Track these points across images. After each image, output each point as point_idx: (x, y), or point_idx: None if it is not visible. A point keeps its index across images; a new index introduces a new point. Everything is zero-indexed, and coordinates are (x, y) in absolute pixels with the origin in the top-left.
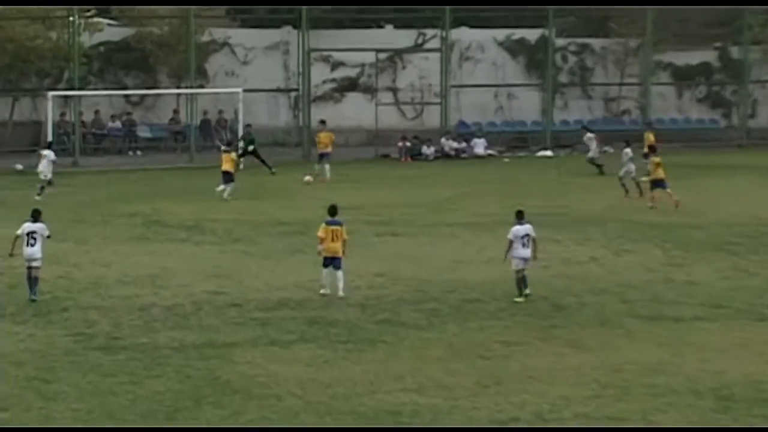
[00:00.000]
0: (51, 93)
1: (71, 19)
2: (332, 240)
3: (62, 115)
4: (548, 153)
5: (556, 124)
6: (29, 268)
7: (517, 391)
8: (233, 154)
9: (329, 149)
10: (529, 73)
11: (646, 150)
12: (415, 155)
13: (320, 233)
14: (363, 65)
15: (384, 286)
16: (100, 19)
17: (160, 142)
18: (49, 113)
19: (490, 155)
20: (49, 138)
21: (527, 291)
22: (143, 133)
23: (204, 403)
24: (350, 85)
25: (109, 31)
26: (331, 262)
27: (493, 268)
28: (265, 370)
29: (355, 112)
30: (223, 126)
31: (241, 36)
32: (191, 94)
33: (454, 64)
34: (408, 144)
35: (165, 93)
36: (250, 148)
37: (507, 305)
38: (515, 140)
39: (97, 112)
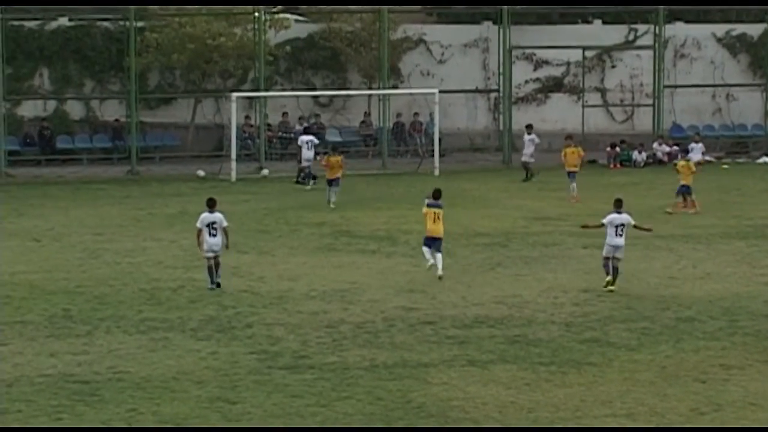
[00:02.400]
0: (235, 94)
1: (256, 15)
2: (433, 221)
3: (246, 118)
4: None
5: None
6: (211, 258)
7: (737, 418)
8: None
9: (339, 174)
10: (751, 72)
11: None
12: (625, 161)
13: (424, 211)
14: (568, 64)
15: (591, 302)
16: (287, 15)
17: (351, 146)
18: (233, 116)
19: (707, 162)
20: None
21: (612, 288)
22: (332, 137)
23: (396, 427)
24: (555, 86)
25: (296, 27)
26: (433, 242)
27: (710, 284)
28: (461, 393)
29: (560, 114)
30: (418, 130)
31: (437, 33)
32: (383, 95)
33: (668, 63)
34: (617, 149)
35: (355, 94)
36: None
37: (726, 324)
38: (735, 145)
39: (284, 114)
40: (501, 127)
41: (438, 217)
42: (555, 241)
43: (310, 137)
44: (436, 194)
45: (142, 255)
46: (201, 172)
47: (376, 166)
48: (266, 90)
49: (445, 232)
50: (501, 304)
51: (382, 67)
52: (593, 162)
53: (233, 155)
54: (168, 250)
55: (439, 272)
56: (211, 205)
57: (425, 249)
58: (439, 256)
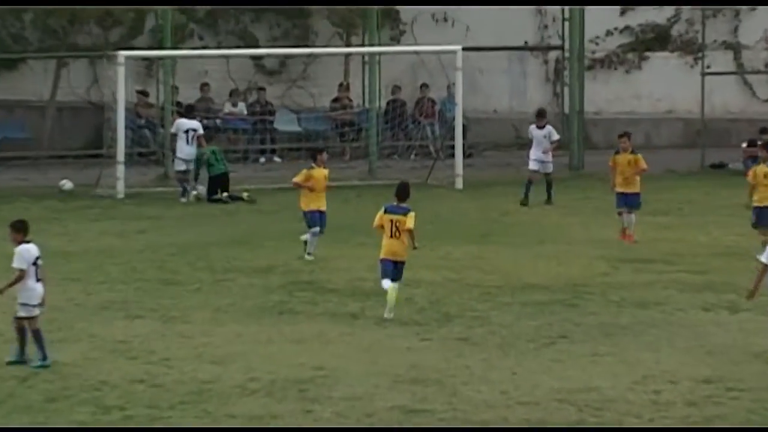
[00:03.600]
0: (123, 53)
1: None
2: (391, 235)
3: (142, 93)
4: None
5: None
6: (32, 317)
7: None
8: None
9: (324, 204)
10: None
11: None
12: None
13: (376, 222)
14: (678, 7)
15: (717, 400)
16: None
17: (316, 139)
18: (120, 90)
19: None
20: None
21: None
22: (285, 124)
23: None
24: (656, 41)
25: None
26: (393, 269)
27: None
28: None
29: (664, 87)
30: (428, 113)
31: None
32: (371, 54)
33: None
34: (761, 144)
35: (324, 53)
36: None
37: None
38: None
39: (204, 87)
40: (567, 109)
41: (398, 228)
42: (657, 299)
43: (193, 123)
44: (401, 192)
45: None
46: (67, 183)
47: (358, 174)
48: (175, 47)
49: (477, 280)
50: (566, 403)
51: (368, 10)
52: (721, 167)
53: (120, 155)
54: (9, 312)
55: (387, 314)
56: (25, 231)
57: (384, 282)
58: (394, 287)
